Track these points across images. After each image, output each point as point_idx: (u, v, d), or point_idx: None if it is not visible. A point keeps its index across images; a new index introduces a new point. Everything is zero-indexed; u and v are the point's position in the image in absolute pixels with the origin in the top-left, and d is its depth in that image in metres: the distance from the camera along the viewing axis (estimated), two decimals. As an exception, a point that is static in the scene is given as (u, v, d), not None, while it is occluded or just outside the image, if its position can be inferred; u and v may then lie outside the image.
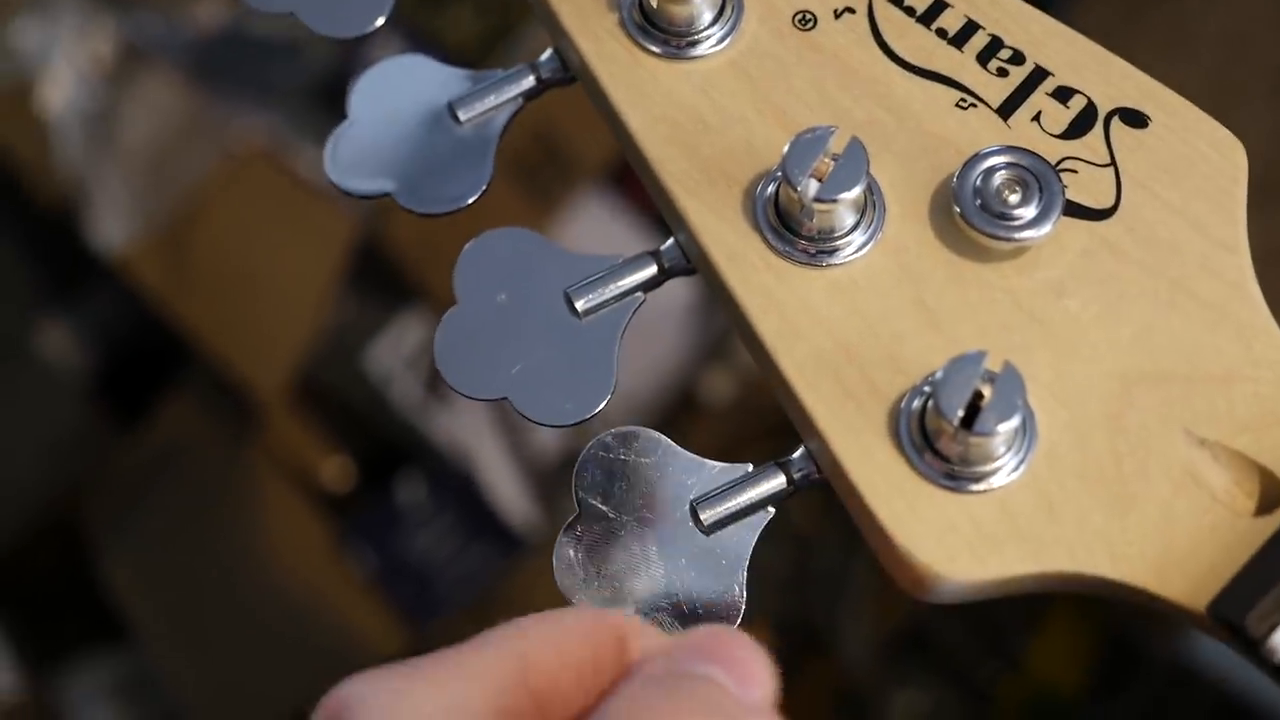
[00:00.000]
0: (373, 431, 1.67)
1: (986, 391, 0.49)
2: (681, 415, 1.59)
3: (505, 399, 0.55)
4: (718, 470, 0.54)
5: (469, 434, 1.58)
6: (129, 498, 1.74)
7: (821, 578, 1.57)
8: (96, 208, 1.73)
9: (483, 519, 1.57)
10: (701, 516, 0.53)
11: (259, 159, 1.69)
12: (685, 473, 0.54)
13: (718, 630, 0.45)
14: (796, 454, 0.54)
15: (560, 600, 0.53)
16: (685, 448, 0.54)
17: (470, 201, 0.58)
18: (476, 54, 1.68)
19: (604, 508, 0.54)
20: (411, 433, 1.63)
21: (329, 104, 1.64)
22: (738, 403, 1.57)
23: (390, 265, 1.63)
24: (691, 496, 0.54)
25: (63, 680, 1.73)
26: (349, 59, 1.66)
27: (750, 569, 0.53)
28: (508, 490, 1.57)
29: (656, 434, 0.55)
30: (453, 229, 0.61)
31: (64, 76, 1.75)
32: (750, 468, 0.54)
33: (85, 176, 1.74)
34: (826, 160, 0.52)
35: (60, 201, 1.77)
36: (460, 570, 1.57)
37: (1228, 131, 0.55)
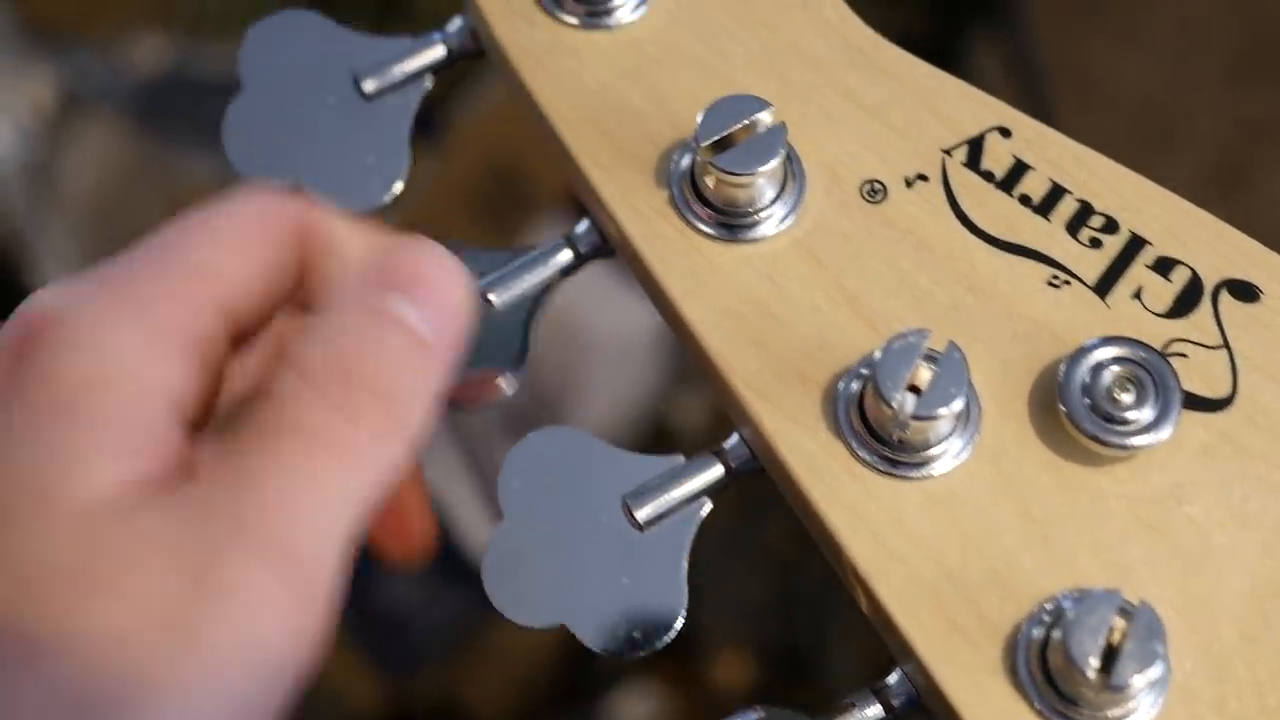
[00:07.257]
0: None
1: (1119, 626, 0.44)
2: (654, 444, 1.55)
3: (563, 625, 0.50)
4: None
5: (440, 479, 1.53)
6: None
7: (806, 602, 1.52)
8: (41, 261, 1.67)
9: (455, 567, 1.52)
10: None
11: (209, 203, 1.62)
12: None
13: (408, 253, 0.43)
14: (892, 678, 0.49)
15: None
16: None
17: None
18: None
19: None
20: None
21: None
22: (710, 430, 1.53)
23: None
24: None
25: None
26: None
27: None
28: (482, 537, 1.52)
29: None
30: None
31: (1, 126, 1.68)
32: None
33: (27, 229, 1.67)
34: (920, 364, 0.47)
35: (2, 255, 1.71)
36: (433, 619, 1.52)
37: (1348, 302, 0.50)
